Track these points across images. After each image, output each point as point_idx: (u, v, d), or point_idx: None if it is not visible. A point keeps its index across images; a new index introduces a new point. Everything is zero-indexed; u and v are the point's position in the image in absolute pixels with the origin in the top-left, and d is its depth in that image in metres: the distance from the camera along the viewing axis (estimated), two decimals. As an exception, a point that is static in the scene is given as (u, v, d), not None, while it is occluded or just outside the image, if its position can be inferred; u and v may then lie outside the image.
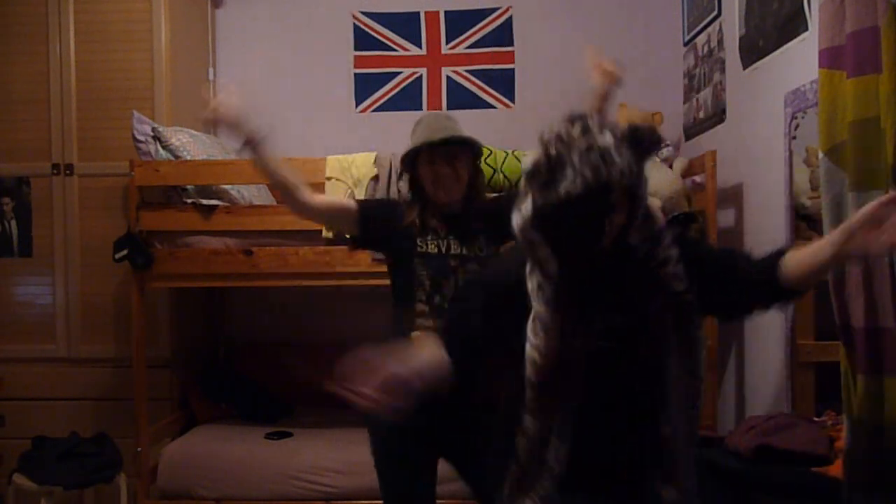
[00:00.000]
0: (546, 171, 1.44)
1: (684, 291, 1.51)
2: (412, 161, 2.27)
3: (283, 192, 2.25)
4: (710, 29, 3.37)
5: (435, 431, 2.21)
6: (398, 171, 2.70)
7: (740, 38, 2.97)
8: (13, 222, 3.57)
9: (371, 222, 2.27)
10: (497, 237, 2.29)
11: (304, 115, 4.04)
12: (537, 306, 1.51)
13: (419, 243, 2.23)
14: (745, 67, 2.92)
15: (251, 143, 2.24)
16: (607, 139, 1.43)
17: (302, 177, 2.25)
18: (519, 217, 1.49)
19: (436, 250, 2.23)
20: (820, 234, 1.95)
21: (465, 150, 2.25)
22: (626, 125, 1.49)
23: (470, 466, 2.28)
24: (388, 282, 2.34)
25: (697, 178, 3.25)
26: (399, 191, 2.98)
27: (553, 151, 1.44)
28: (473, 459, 2.22)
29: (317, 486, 3.14)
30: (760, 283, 1.54)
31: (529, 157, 1.49)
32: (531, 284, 1.53)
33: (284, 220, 3.15)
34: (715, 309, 1.68)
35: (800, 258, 1.51)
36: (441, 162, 2.21)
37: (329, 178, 3.10)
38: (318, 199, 2.29)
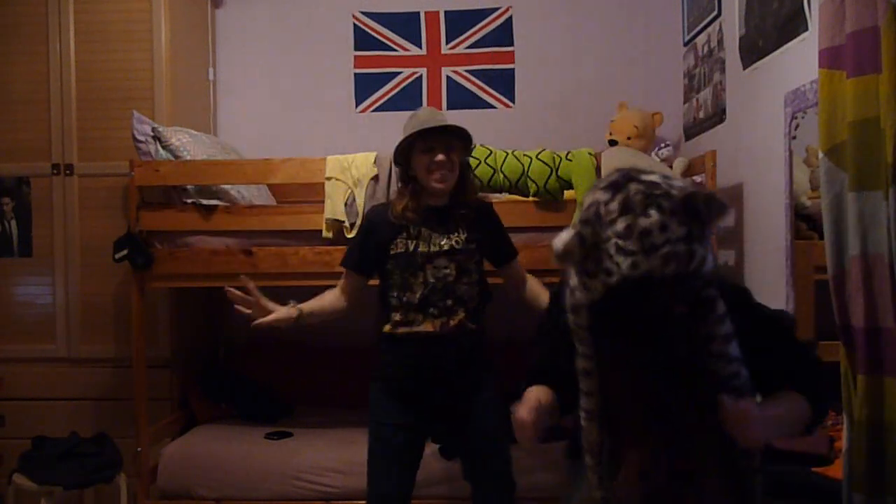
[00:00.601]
0: (580, 256, 1.31)
1: (734, 375, 1.37)
2: (406, 151, 2.35)
3: (330, 318, 2.49)
4: (710, 29, 3.37)
5: (421, 412, 2.38)
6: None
7: (740, 38, 2.97)
8: (13, 222, 3.57)
9: (367, 263, 2.46)
10: (476, 235, 2.42)
11: (304, 115, 4.04)
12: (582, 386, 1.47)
13: (390, 246, 2.35)
14: (745, 67, 2.92)
15: (293, 323, 2.41)
16: (651, 218, 1.25)
17: (322, 300, 2.50)
18: (566, 300, 1.41)
19: (403, 249, 2.37)
20: (820, 234, 1.95)
21: (459, 141, 2.35)
22: (681, 193, 1.29)
23: (457, 444, 2.50)
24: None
25: (697, 178, 3.25)
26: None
27: (588, 233, 1.30)
28: (460, 436, 2.45)
29: (317, 486, 3.14)
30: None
31: (563, 235, 1.33)
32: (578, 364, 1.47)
33: (284, 220, 3.16)
34: None
35: None
36: (437, 149, 2.31)
37: (329, 178, 3.10)
38: (342, 298, 2.50)
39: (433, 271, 2.34)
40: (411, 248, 2.36)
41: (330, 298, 2.49)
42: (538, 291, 2.54)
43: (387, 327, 2.39)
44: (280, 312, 2.37)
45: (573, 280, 1.37)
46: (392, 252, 2.37)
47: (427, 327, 2.34)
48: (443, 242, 2.36)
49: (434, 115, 2.39)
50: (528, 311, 2.51)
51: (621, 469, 1.45)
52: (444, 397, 2.39)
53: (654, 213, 1.26)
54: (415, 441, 2.44)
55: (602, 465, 1.47)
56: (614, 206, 1.28)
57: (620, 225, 1.26)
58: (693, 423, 1.45)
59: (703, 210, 1.27)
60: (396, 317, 2.36)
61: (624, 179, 1.32)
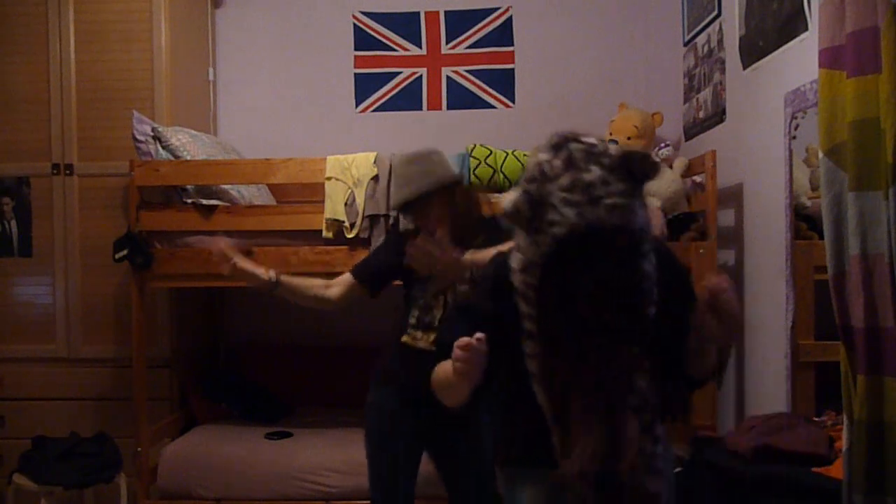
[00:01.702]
0: (529, 212, 1.38)
1: (650, 314, 1.45)
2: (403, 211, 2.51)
3: (306, 300, 2.47)
4: (710, 29, 3.37)
5: (422, 423, 2.37)
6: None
7: (740, 38, 2.97)
8: (13, 222, 3.57)
9: (374, 277, 2.47)
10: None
11: (304, 115, 4.04)
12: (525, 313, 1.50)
13: (414, 272, 2.34)
14: (745, 67, 2.92)
15: (268, 287, 2.40)
16: (593, 173, 1.34)
17: (311, 281, 2.51)
18: (512, 262, 1.47)
19: (428, 275, 2.34)
20: (820, 234, 1.95)
21: (435, 194, 2.30)
22: (618, 152, 1.40)
23: (449, 460, 2.46)
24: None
25: (697, 178, 3.26)
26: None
27: (534, 190, 1.38)
28: (454, 453, 2.44)
29: (317, 486, 3.14)
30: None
31: (510, 195, 1.42)
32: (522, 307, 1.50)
33: (284, 220, 3.16)
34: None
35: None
36: (417, 219, 2.38)
37: (329, 178, 3.10)
38: (332, 291, 2.48)
39: (453, 296, 2.33)
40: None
41: (317, 286, 2.47)
42: None
43: (406, 338, 2.39)
44: (258, 270, 2.40)
45: (522, 240, 1.44)
46: (416, 276, 2.36)
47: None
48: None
49: (406, 172, 2.34)
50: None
51: (574, 446, 1.45)
52: (450, 417, 2.38)
53: (595, 168, 1.35)
54: (415, 447, 2.44)
55: (562, 430, 1.48)
56: (558, 163, 1.37)
57: (565, 180, 1.34)
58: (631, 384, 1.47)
59: (638, 168, 1.37)
60: (417, 334, 2.37)
61: (564, 140, 1.42)
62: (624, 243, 1.39)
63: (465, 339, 1.42)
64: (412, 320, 2.39)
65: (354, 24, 4.07)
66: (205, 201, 3.16)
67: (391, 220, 3.02)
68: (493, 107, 4.04)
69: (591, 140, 1.42)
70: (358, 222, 3.04)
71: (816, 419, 2.26)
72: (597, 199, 1.33)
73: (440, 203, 2.31)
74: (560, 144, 1.40)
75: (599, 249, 1.38)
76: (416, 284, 2.39)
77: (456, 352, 1.43)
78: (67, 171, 3.52)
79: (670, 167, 3.28)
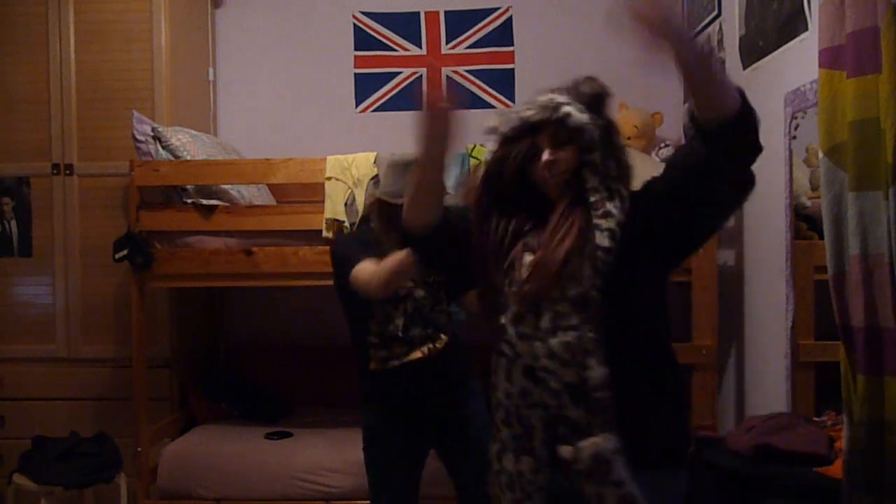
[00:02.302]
0: (506, 129, 1.60)
1: (607, 249, 1.49)
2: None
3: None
4: (710, 29, 3.37)
5: (421, 420, 2.38)
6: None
7: (740, 38, 2.97)
8: (13, 222, 3.57)
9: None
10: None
11: (304, 115, 4.04)
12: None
13: None
14: (745, 67, 2.92)
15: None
16: (560, 97, 1.56)
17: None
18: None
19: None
20: (820, 234, 1.95)
21: None
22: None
23: (452, 451, 2.44)
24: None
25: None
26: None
27: (509, 117, 1.61)
28: (452, 450, 2.42)
29: (317, 486, 3.14)
30: (691, 153, 1.50)
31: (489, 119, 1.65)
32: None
33: (284, 220, 3.16)
34: (683, 233, 1.59)
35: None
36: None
37: (329, 178, 3.10)
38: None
39: (412, 303, 2.33)
40: None
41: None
42: None
43: (373, 365, 2.34)
44: None
45: (496, 149, 1.63)
46: None
47: (417, 355, 2.33)
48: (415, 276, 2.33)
49: (398, 174, 2.31)
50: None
51: None
52: (442, 410, 2.40)
53: (562, 95, 1.58)
54: (412, 460, 2.43)
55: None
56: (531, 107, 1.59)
57: (532, 98, 1.60)
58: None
59: (587, 96, 1.58)
60: (381, 353, 2.33)
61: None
62: (569, 158, 1.55)
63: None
64: (373, 339, 2.34)
65: (354, 24, 4.07)
66: (205, 201, 3.16)
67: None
68: (493, 107, 4.03)
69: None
70: (358, 222, 3.04)
71: (816, 419, 2.26)
72: (558, 105, 1.55)
73: None
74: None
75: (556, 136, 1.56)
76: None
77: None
78: (67, 171, 3.52)
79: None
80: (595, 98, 1.58)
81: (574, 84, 1.60)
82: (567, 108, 1.54)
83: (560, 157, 1.56)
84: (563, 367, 1.46)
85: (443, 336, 2.38)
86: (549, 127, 1.56)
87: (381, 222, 2.34)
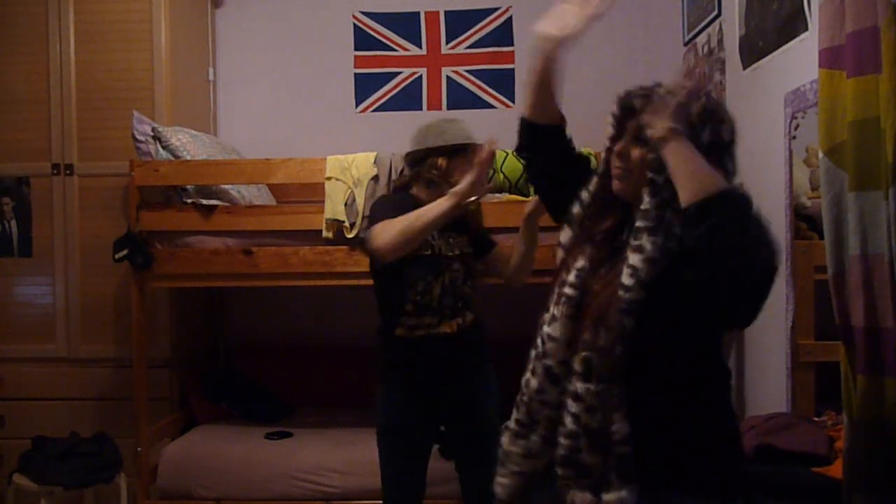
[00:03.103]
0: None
1: (628, 288, 1.37)
2: (433, 153, 2.37)
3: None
4: (710, 29, 3.37)
5: (431, 413, 2.39)
6: (413, 163, 2.56)
7: (740, 38, 2.97)
8: (13, 222, 3.57)
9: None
10: (470, 238, 2.46)
11: (304, 115, 4.04)
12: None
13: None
14: (745, 67, 2.92)
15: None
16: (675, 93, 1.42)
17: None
18: None
19: (429, 251, 2.34)
20: (820, 234, 1.95)
21: (474, 149, 2.36)
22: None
23: (460, 446, 2.47)
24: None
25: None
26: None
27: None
28: (464, 439, 2.44)
29: (317, 486, 3.14)
30: None
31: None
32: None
33: (284, 220, 3.16)
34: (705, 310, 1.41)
35: None
36: (452, 166, 2.37)
37: (329, 178, 3.10)
38: None
39: (450, 274, 2.35)
40: (436, 250, 2.35)
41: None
42: (510, 251, 2.53)
43: (399, 331, 2.35)
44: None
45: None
46: (416, 253, 2.29)
47: (445, 329, 2.35)
48: (455, 247, 2.40)
49: (462, 127, 2.42)
50: (520, 307, 2.49)
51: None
52: (460, 393, 2.41)
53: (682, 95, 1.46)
54: (425, 441, 2.45)
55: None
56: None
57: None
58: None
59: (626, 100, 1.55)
60: (411, 321, 2.34)
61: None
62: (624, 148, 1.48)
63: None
64: (408, 307, 2.34)
65: (354, 24, 4.07)
66: (205, 201, 3.16)
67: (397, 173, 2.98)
68: (492, 107, 4.03)
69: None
70: (358, 222, 3.04)
71: (816, 419, 2.26)
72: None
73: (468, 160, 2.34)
74: None
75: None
76: (415, 264, 2.31)
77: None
78: (67, 171, 3.52)
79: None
80: (701, 117, 1.45)
81: (693, 92, 1.45)
82: (659, 93, 1.43)
83: (635, 153, 1.47)
84: (587, 413, 1.41)
85: (468, 313, 2.40)
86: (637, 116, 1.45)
87: (421, 178, 2.40)
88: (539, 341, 1.55)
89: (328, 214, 3.07)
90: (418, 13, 4.05)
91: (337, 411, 3.70)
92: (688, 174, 1.34)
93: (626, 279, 1.37)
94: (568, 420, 1.44)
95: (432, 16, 4.05)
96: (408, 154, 2.47)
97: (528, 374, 1.56)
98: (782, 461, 2.03)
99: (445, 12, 4.04)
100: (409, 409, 2.38)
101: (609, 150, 1.54)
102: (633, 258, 1.37)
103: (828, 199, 1.81)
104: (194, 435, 3.44)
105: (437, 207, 2.16)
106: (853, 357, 1.76)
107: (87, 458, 3.11)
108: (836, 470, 1.90)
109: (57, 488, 3.02)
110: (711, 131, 1.47)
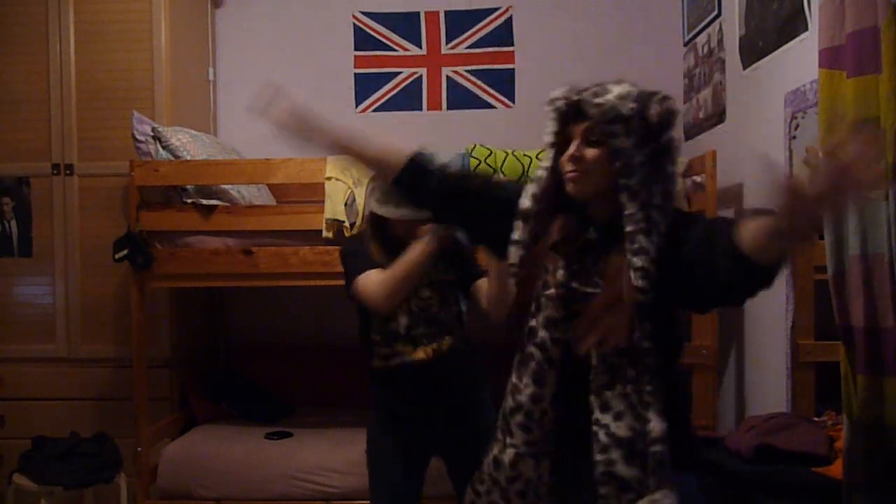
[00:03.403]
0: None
1: (643, 290, 1.40)
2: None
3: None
4: (710, 29, 3.37)
5: (422, 426, 2.32)
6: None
7: (740, 38, 2.97)
8: (13, 222, 3.57)
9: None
10: (451, 261, 2.35)
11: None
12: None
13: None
14: (745, 67, 2.92)
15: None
16: (619, 88, 1.45)
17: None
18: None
19: None
20: (820, 234, 1.95)
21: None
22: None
23: (457, 464, 2.37)
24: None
25: (697, 179, 3.25)
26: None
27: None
28: (458, 455, 2.34)
29: (317, 486, 3.14)
30: (729, 268, 1.34)
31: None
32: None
33: (284, 220, 3.16)
34: (684, 299, 1.49)
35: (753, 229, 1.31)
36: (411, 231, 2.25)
37: (329, 178, 3.10)
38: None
39: (418, 303, 2.29)
40: None
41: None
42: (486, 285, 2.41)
43: (376, 362, 2.32)
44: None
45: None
46: None
47: (420, 354, 2.28)
48: (425, 275, 2.27)
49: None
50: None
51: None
52: (444, 422, 2.34)
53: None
54: (414, 469, 2.37)
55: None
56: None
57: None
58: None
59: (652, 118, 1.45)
60: (383, 350, 2.30)
61: None
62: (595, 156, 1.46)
63: None
64: (376, 337, 2.30)
65: (354, 24, 4.07)
66: (205, 201, 3.16)
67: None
68: (492, 107, 4.04)
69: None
70: (358, 222, 3.04)
71: (816, 419, 2.26)
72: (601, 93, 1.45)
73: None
74: None
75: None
76: None
77: None
78: (67, 171, 3.52)
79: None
80: (660, 120, 1.44)
81: (644, 96, 1.45)
82: (611, 99, 1.41)
83: (589, 154, 1.46)
84: (617, 422, 1.41)
85: (447, 338, 2.32)
86: (585, 117, 1.45)
87: (375, 236, 2.31)
88: (534, 349, 1.52)
89: (328, 214, 3.07)
90: (418, 13, 4.05)
91: (337, 411, 3.70)
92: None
93: (639, 282, 1.40)
94: (600, 433, 1.43)
95: (432, 16, 4.05)
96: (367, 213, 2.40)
97: (532, 390, 1.52)
98: (782, 461, 2.03)
99: (445, 12, 4.04)
100: (385, 440, 2.33)
101: (557, 155, 1.51)
102: (639, 260, 1.40)
103: (828, 200, 1.81)
104: (194, 435, 3.44)
105: (419, 253, 2.15)
106: (853, 357, 1.77)
107: (87, 458, 3.11)
108: (836, 470, 1.91)
109: (57, 488, 3.02)
110: (670, 135, 1.48)
